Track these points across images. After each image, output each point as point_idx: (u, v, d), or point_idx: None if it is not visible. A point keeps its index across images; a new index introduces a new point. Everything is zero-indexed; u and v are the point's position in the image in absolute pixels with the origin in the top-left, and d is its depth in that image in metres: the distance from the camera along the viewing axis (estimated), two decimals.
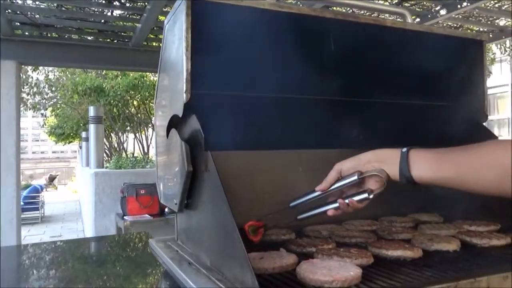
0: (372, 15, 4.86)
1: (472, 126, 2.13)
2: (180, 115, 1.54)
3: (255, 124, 2.01)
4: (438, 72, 2.09)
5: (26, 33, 5.95)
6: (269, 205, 2.09)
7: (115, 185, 7.42)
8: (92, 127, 9.25)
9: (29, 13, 5.44)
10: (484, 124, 2.13)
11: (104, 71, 11.97)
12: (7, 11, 5.25)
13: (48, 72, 13.72)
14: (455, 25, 7.28)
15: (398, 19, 2.64)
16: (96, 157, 9.07)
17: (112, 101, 12.29)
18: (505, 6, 7.16)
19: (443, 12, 6.91)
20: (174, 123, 1.67)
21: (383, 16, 5.03)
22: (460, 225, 1.89)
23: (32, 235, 11.59)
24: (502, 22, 7.73)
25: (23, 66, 10.03)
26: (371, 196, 1.37)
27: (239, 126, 1.97)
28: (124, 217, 6.50)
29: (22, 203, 12.88)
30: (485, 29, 7.58)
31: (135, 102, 13.16)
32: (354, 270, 1.19)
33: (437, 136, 2.28)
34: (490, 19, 7.49)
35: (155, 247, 1.72)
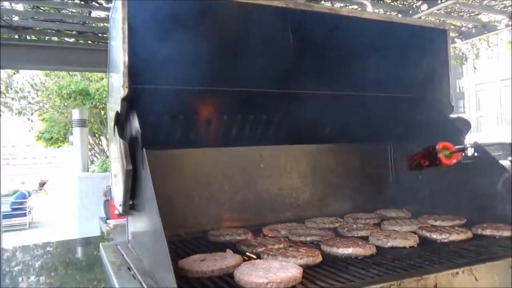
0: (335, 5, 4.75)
1: (438, 118, 2.07)
2: (119, 111, 1.46)
3: (211, 121, 1.94)
4: (403, 64, 2.03)
5: (4, 36, 5.82)
6: (229, 204, 2.02)
7: (99, 189, 7.30)
8: (76, 130, 9.10)
9: (4, 16, 5.32)
10: (450, 115, 2.07)
11: (89, 74, 11.84)
12: None
13: (33, 76, 13.55)
14: (437, 20, 7.26)
15: (359, 9, 2.57)
16: (81, 160, 8.94)
17: (98, 104, 12.13)
18: (486, 1, 7.15)
19: (424, 7, 6.89)
20: (118, 121, 1.59)
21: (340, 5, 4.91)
22: (425, 220, 1.82)
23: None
24: (484, 17, 7.72)
25: (4, 70, 9.82)
26: None
27: (193, 123, 1.90)
28: (107, 220, 6.38)
29: (9, 209, 12.68)
30: (468, 25, 7.56)
31: None
32: (293, 270, 1.11)
33: (404, 128, 2.22)
34: (472, 14, 7.48)
35: (102, 252, 1.64)
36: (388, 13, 5.57)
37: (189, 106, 1.76)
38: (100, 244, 1.75)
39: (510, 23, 6.90)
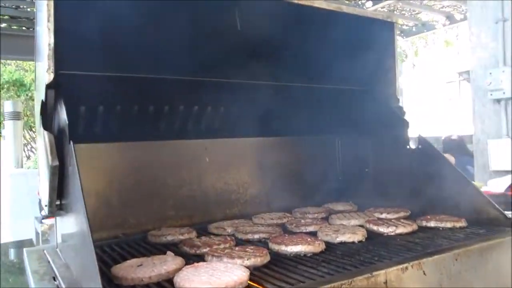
0: None
1: (384, 110, 2.08)
2: (44, 100, 1.28)
3: (152, 112, 1.80)
4: (351, 55, 2.00)
5: None
6: (174, 200, 1.89)
7: (34, 186, 6.81)
8: (8, 123, 8.42)
9: None
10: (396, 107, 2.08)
11: (24, 63, 10.98)
12: None
13: None
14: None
15: None
16: (14, 156, 8.29)
17: (34, 96, 11.24)
18: (426, 1, 7.49)
19: (369, 4, 7.09)
20: (43, 111, 1.40)
21: None
22: (371, 213, 1.81)
23: None
24: (424, 16, 8.10)
25: None
26: None
27: (131, 114, 1.75)
28: (43, 220, 5.95)
29: None
30: (409, 23, 7.90)
31: None
32: (239, 273, 1.02)
33: (351, 120, 2.21)
34: (413, 13, 7.82)
35: (25, 259, 1.45)
36: None
37: (126, 95, 1.61)
38: (24, 250, 1.56)
39: (447, 23, 7.29)
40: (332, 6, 1.86)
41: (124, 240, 1.66)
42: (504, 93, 2.67)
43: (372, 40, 2.05)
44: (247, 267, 1.12)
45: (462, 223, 1.57)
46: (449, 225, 1.56)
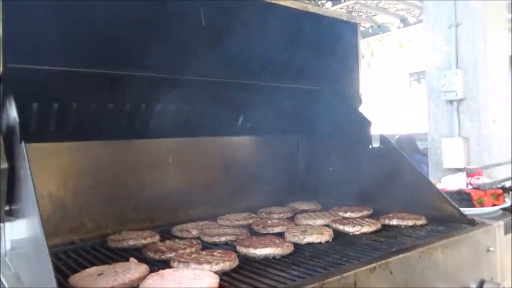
0: None
1: (348, 110, 2.10)
2: None
3: (113, 110, 1.70)
4: (315, 55, 2.01)
5: None
6: (135, 201, 1.81)
7: None
8: None
9: None
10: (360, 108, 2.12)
11: None
12: None
13: None
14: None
15: None
16: None
17: None
18: (382, 3, 7.74)
19: (328, 4, 7.23)
20: None
21: None
22: (336, 212, 1.83)
23: None
24: (379, 18, 8.37)
25: None
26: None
27: (89, 112, 1.65)
28: None
29: None
30: (365, 25, 8.13)
31: None
32: (208, 280, 0.99)
33: (314, 120, 2.22)
34: (370, 15, 8.07)
35: None
36: None
37: (84, 92, 1.51)
38: None
39: (401, 25, 7.58)
40: (297, 5, 1.86)
41: (81, 245, 1.56)
42: (456, 94, 2.80)
43: (336, 40, 2.07)
44: (216, 273, 1.09)
45: (422, 221, 1.62)
46: (410, 223, 1.61)
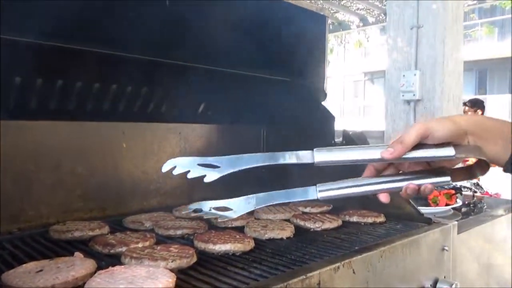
0: None
1: (312, 104, 2.07)
2: None
3: (62, 87, 1.54)
4: (281, 45, 1.95)
5: None
6: (83, 189, 1.67)
7: None
8: None
9: None
10: (323, 103, 2.09)
11: None
12: None
13: None
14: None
15: None
16: None
17: None
18: (344, 1, 7.85)
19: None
20: None
21: None
22: (296, 206, 1.80)
23: None
24: (340, 16, 8.50)
25: None
26: (452, 183, 0.91)
27: (38, 87, 1.48)
28: None
29: None
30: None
31: None
32: (164, 280, 0.90)
33: (278, 111, 2.17)
34: (332, 11, 8.16)
35: None
36: None
37: (29, 65, 1.34)
38: None
39: (361, 24, 7.75)
40: None
41: (19, 236, 1.41)
42: (414, 95, 2.87)
43: (304, 31, 2.02)
44: (171, 270, 1.00)
45: (381, 218, 1.62)
46: (370, 220, 1.60)
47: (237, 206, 0.93)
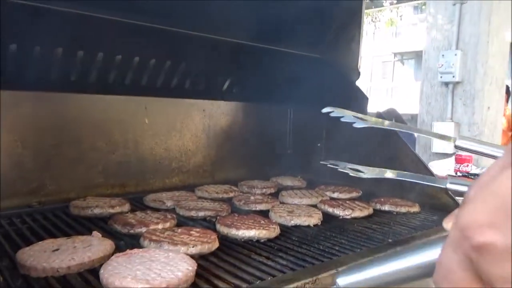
0: None
1: (344, 83, 1.94)
2: None
3: (82, 58, 1.48)
4: (312, 18, 1.82)
5: None
6: (104, 165, 1.63)
7: None
8: None
9: None
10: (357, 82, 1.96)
11: None
12: None
13: None
14: None
15: None
16: None
17: None
18: None
19: None
20: None
21: None
22: (323, 191, 1.71)
23: None
24: None
25: None
26: None
27: (59, 57, 1.42)
28: None
29: None
30: None
31: None
32: (184, 268, 0.84)
33: (306, 90, 2.06)
34: None
35: None
36: None
37: (50, 33, 1.28)
38: None
39: (394, 1, 7.38)
40: None
41: (39, 209, 1.38)
42: (453, 76, 2.68)
43: (338, 5, 1.88)
44: (192, 256, 0.94)
45: (416, 208, 1.51)
46: (403, 209, 1.50)
47: (367, 170, 1.03)
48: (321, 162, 1.36)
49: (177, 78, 1.77)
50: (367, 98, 1.86)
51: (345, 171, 1.06)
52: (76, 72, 1.49)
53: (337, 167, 1.10)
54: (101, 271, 0.82)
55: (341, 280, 0.60)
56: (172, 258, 0.89)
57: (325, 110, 1.10)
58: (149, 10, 1.46)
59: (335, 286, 0.62)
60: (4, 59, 1.30)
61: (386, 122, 1.04)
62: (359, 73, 1.95)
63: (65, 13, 1.29)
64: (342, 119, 1.03)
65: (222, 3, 1.56)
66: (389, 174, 1.00)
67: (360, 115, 1.03)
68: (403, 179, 0.97)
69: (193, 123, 1.88)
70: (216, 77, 1.95)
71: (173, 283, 0.78)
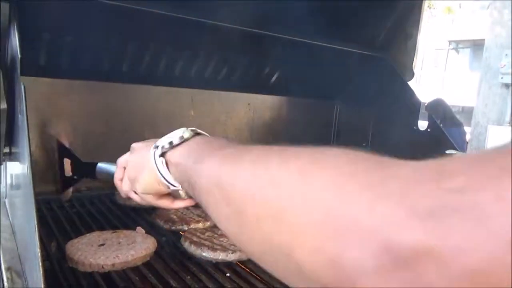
0: None
1: (395, 83, 1.86)
2: None
3: (133, 49, 1.50)
4: (367, 13, 1.74)
5: None
6: None
7: None
8: None
9: None
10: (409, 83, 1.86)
11: None
12: None
13: None
14: None
15: None
16: None
17: None
18: None
19: None
20: None
21: None
22: None
23: None
24: None
25: None
26: None
27: (110, 48, 1.45)
28: None
29: None
30: None
31: None
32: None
33: (355, 88, 1.99)
34: None
35: None
36: None
37: (102, 25, 1.30)
38: None
39: None
40: None
41: (87, 195, 1.44)
42: None
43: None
44: (231, 262, 0.94)
45: None
46: None
47: None
48: None
49: (225, 71, 1.76)
50: (420, 103, 1.76)
51: None
52: (125, 63, 1.52)
53: None
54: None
55: None
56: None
57: None
58: (197, 3, 1.44)
59: None
60: (60, 50, 1.35)
61: None
62: (413, 74, 1.85)
63: (114, 6, 1.30)
64: None
65: None
66: None
67: None
68: None
69: (237, 117, 1.87)
70: (262, 71, 1.92)
71: None
